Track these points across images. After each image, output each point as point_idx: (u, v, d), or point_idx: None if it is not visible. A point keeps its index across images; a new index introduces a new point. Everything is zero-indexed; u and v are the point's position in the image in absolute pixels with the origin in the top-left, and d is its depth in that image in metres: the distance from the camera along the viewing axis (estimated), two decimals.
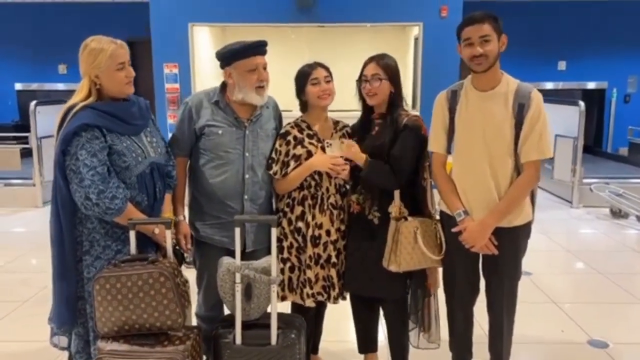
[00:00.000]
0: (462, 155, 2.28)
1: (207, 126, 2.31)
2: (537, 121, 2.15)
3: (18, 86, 9.31)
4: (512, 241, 2.26)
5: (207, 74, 7.33)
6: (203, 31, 7.36)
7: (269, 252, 2.25)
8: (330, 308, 2.63)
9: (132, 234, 1.99)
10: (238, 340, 2.06)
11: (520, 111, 2.16)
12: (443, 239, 2.34)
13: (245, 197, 2.33)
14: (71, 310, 2.04)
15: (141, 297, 1.88)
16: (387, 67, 2.36)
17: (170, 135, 2.43)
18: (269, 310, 2.13)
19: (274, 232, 2.11)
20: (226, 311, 2.36)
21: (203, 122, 2.32)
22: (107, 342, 1.91)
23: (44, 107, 6.40)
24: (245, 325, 2.07)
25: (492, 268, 2.32)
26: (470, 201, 2.26)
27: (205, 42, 7.53)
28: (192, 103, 2.35)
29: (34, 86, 9.19)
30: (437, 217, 2.40)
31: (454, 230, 2.27)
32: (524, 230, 2.29)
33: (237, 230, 2.06)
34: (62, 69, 9.11)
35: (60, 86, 9.04)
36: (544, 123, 2.17)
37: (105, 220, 2.02)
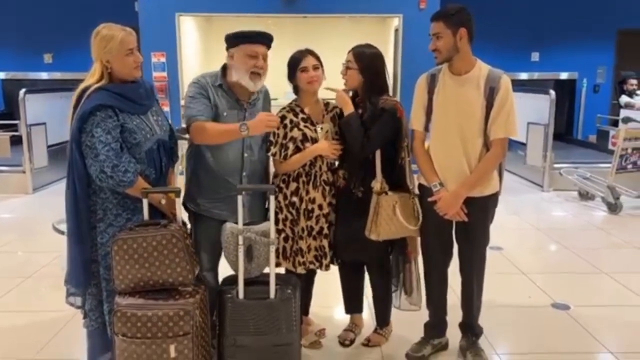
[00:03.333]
0: (438, 133, 2.53)
1: (214, 106, 2.47)
2: (505, 102, 2.40)
3: (2, 75, 9.26)
4: (481, 209, 2.52)
5: (193, 62, 7.50)
6: (189, 21, 7.51)
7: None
8: (319, 280, 2.87)
9: (145, 202, 2.20)
10: (241, 295, 2.29)
11: (491, 94, 2.40)
12: (420, 211, 2.58)
13: (244, 173, 2.51)
14: (86, 272, 2.25)
15: (155, 256, 2.10)
16: (359, 55, 2.56)
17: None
18: (266, 271, 2.36)
19: (272, 199, 2.34)
20: (220, 277, 2.58)
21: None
22: (124, 298, 2.13)
23: (33, 95, 6.50)
24: (247, 282, 2.30)
25: (464, 234, 2.59)
26: (444, 174, 2.51)
27: (191, 31, 7.68)
28: (201, 83, 2.49)
29: (19, 75, 9.10)
30: (415, 192, 2.64)
31: (430, 199, 2.52)
32: (492, 200, 2.56)
33: (240, 198, 2.27)
34: (47, 58, 9.07)
35: (46, 75, 8.97)
36: (511, 105, 2.42)
37: (117, 192, 2.21)
